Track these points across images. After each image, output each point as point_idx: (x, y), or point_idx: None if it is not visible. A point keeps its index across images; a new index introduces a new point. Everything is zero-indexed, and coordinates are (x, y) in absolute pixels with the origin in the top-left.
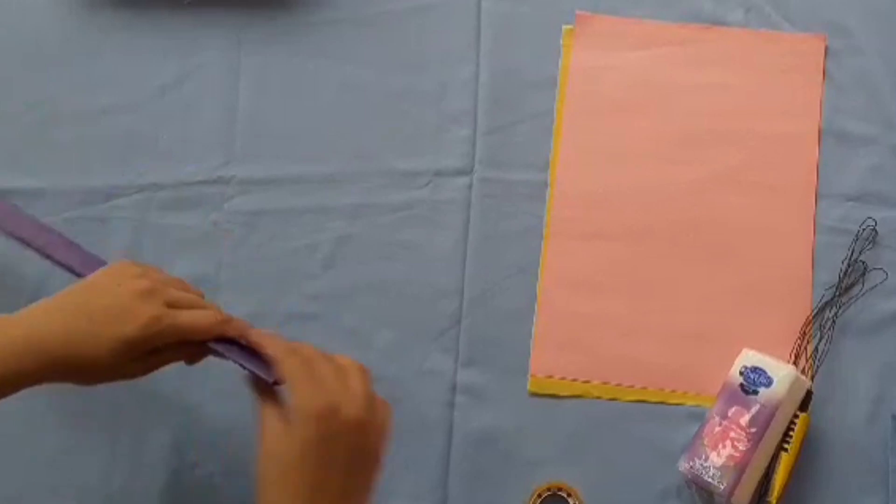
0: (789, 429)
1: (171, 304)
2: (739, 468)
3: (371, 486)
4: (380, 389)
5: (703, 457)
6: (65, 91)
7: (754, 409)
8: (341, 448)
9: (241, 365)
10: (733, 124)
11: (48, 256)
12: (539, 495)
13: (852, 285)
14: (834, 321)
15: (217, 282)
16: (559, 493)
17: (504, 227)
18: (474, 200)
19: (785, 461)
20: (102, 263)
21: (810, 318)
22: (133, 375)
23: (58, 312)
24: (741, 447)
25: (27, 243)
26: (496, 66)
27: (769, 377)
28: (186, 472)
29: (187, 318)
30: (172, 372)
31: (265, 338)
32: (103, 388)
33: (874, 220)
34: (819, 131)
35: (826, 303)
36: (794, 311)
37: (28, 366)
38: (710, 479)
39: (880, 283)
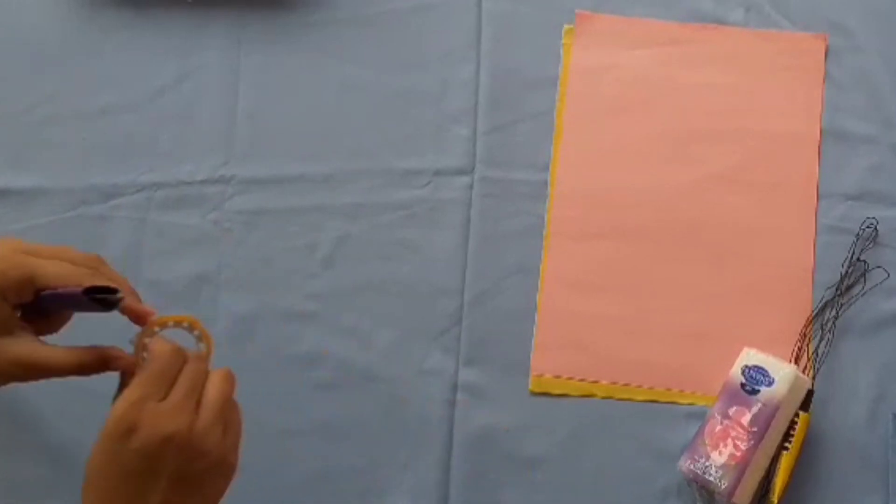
0: (790, 428)
1: (29, 252)
2: (740, 467)
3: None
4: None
5: (704, 456)
6: (65, 90)
7: (755, 409)
8: (140, 471)
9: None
10: (734, 124)
11: None
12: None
13: (853, 285)
14: (835, 320)
15: (217, 281)
16: (181, 326)
17: (504, 227)
18: (475, 200)
19: (786, 460)
20: None
21: (811, 317)
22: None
23: None
24: (742, 446)
25: None
26: (496, 65)
27: (770, 376)
28: None
29: (33, 261)
30: None
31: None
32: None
33: (875, 219)
34: (819, 131)
35: (827, 302)
36: (795, 311)
37: None
38: (710, 479)
39: (881, 282)
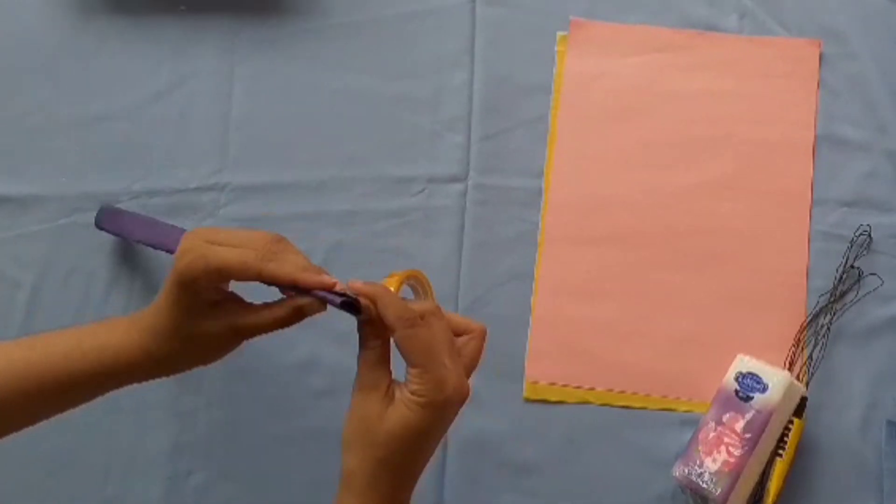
0: (784, 434)
1: (214, 240)
2: (734, 474)
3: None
4: None
5: (698, 463)
6: (59, 98)
7: (749, 415)
8: (441, 430)
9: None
10: (728, 130)
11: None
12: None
13: (847, 291)
14: (829, 327)
15: None
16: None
17: (498, 234)
18: (468, 207)
19: (779, 467)
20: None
21: (805, 324)
22: (220, 342)
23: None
24: (736, 453)
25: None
26: (490, 72)
27: (764, 383)
28: (181, 480)
29: (221, 249)
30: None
31: (382, 295)
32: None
33: (869, 225)
34: (814, 137)
35: (821, 309)
36: (789, 317)
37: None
38: (704, 485)
39: (875, 289)
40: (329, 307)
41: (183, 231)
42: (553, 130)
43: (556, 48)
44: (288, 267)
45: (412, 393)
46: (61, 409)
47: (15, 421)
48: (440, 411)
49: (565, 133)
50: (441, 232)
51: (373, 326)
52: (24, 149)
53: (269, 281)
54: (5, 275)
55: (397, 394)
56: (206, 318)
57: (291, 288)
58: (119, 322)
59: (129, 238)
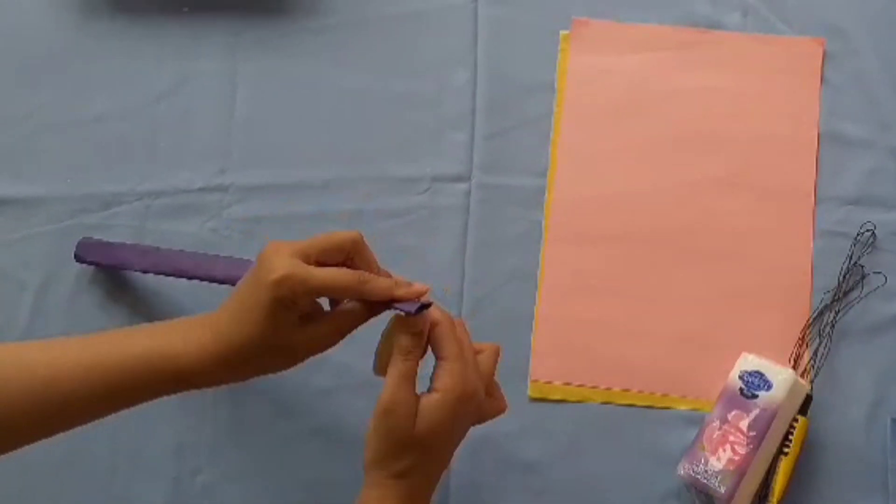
0: (789, 432)
1: (305, 256)
2: (739, 472)
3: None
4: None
5: (703, 461)
6: (61, 99)
7: (754, 413)
8: (462, 428)
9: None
10: (731, 128)
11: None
12: None
13: (851, 289)
14: (833, 325)
15: (217, 289)
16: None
17: (502, 233)
18: (472, 206)
19: (784, 465)
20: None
21: (809, 321)
22: (301, 352)
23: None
24: (741, 451)
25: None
26: (493, 71)
27: (768, 381)
28: (187, 479)
29: (321, 272)
30: None
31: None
32: None
33: (873, 223)
34: (817, 135)
35: (825, 306)
36: (793, 315)
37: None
38: (709, 483)
39: (879, 286)
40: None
41: (224, 258)
42: (556, 129)
43: (558, 47)
44: (383, 284)
45: (440, 387)
46: (120, 408)
47: (77, 417)
48: (464, 405)
49: (568, 131)
50: (445, 231)
51: (416, 335)
52: (28, 150)
53: (367, 299)
54: (10, 276)
55: (423, 401)
56: (296, 331)
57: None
58: (185, 328)
59: (126, 268)
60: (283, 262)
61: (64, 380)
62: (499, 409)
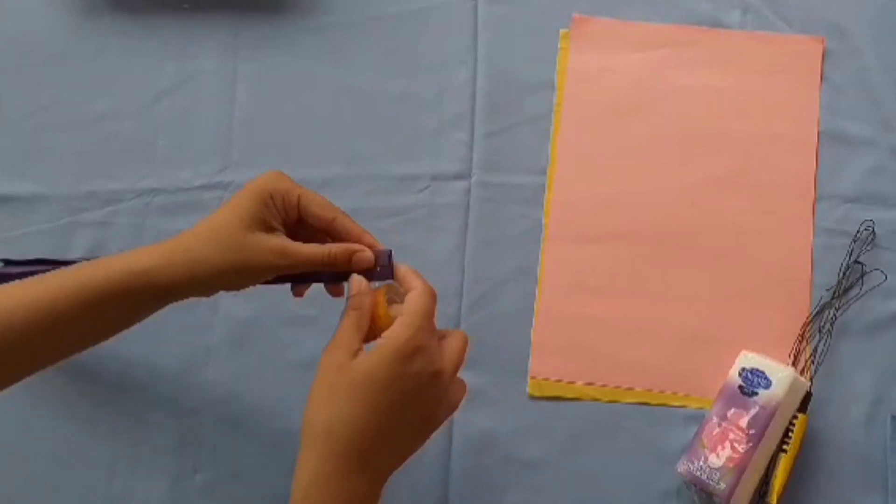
0: (788, 430)
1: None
2: (739, 469)
3: (415, 449)
4: None
5: (703, 458)
6: (62, 97)
7: (753, 411)
8: (403, 392)
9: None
10: (731, 126)
11: None
12: None
13: (851, 287)
14: (833, 322)
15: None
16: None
17: (502, 231)
18: (472, 204)
19: (784, 462)
20: None
21: (809, 319)
22: (259, 267)
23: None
24: (740, 448)
25: None
26: (493, 69)
27: (768, 379)
28: (186, 477)
29: (308, 193)
30: (171, 376)
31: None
32: (103, 395)
33: (872, 221)
34: (817, 133)
35: (825, 304)
36: (793, 313)
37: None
38: (709, 481)
39: (879, 284)
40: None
41: None
42: (556, 127)
43: (558, 45)
44: (353, 226)
45: (386, 334)
46: (89, 341)
47: (44, 353)
48: (404, 362)
49: (568, 130)
50: (445, 229)
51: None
52: (29, 148)
53: (341, 231)
54: None
55: (367, 350)
56: (263, 234)
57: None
58: (154, 251)
59: None
60: (273, 173)
61: (19, 315)
62: (463, 391)
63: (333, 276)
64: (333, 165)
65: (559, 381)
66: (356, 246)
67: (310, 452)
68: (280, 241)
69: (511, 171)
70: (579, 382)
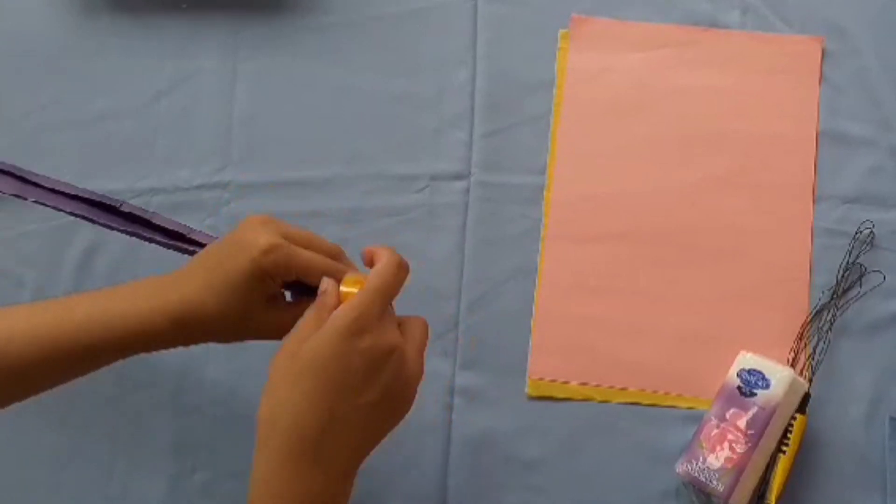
0: (787, 431)
1: (289, 237)
2: (737, 470)
3: (378, 438)
4: None
5: (701, 459)
6: (61, 97)
7: (752, 412)
8: (358, 373)
9: None
10: (730, 126)
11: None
12: None
13: (850, 287)
14: (832, 323)
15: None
16: None
17: (502, 231)
18: (472, 204)
19: (783, 463)
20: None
21: (808, 320)
22: (258, 332)
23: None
24: (739, 449)
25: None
26: (492, 69)
27: (767, 379)
28: (185, 477)
29: (306, 252)
30: (170, 375)
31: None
32: (102, 395)
33: (872, 222)
34: (816, 133)
35: (824, 305)
36: (792, 314)
37: (158, 325)
38: (707, 481)
39: (878, 285)
40: None
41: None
42: (555, 127)
43: (558, 45)
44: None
45: (333, 315)
46: (80, 374)
47: (36, 384)
48: (351, 339)
49: (568, 130)
50: (444, 229)
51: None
52: (28, 148)
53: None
54: (9, 273)
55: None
56: (262, 310)
57: None
58: (132, 290)
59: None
60: (271, 234)
61: (16, 345)
62: (421, 374)
63: None
64: (333, 165)
65: (558, 381)
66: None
67: (259, 452)
68: (280, 315)
69: (510, 170)
70: (578, 382)
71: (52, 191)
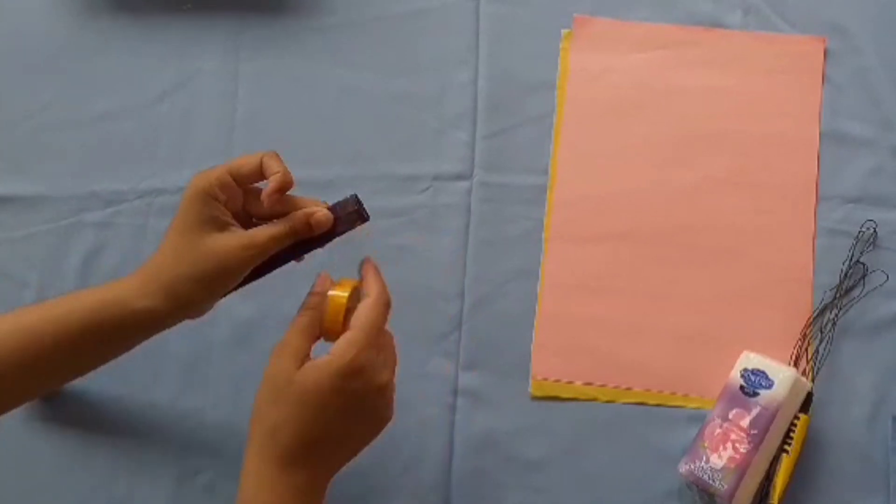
0: (790, 430)
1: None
2: (740, 470)
3: (359, 450)
4: None
5: (704, 459)
6: (64, 97)
7: (755, 412)
8: (346, 406)
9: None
10: (733, 126)
11: None
12: None
13: (852, 287)
14: (834, 323)
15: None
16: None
17: (504, 231)
18: (474, 205)
19: (786, 463)
20: None
21: (811, 319)
22: (228, 261)
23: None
24: (742, 449)
25: None
26: (495, 69)
27: (770, 379)
28: (188, 479)
29: (235, 161)
30: (174, 377)
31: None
32: (106, 397)
33: (874, 221)
34: (818, 133)
35: (826, 305)
36: (795, 313)
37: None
38: (710, 481)
39: (881, 284)
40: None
41: None
42: (558, 127)
43: (560, 45)
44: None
45: (334, 351)
46: (86, 370)
47: (37, 384)
48: (348, 380)
49: (570, 130)
50: (446, 230)
51: (318, 294)
52: (30, 148)
53: (290, 206)
54: (12, 274)
55: (314, 360)
56: (222, 234)
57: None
58: (129, 280)
59: None
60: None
61: (40, 337)
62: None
63: (304, 249)
64: (335, 166)
65: (561, 381)
66: (310, 209)
67: (255, 454)
68: (240, 234)
69: (512, 171)
70: (581, 382)
71: None
